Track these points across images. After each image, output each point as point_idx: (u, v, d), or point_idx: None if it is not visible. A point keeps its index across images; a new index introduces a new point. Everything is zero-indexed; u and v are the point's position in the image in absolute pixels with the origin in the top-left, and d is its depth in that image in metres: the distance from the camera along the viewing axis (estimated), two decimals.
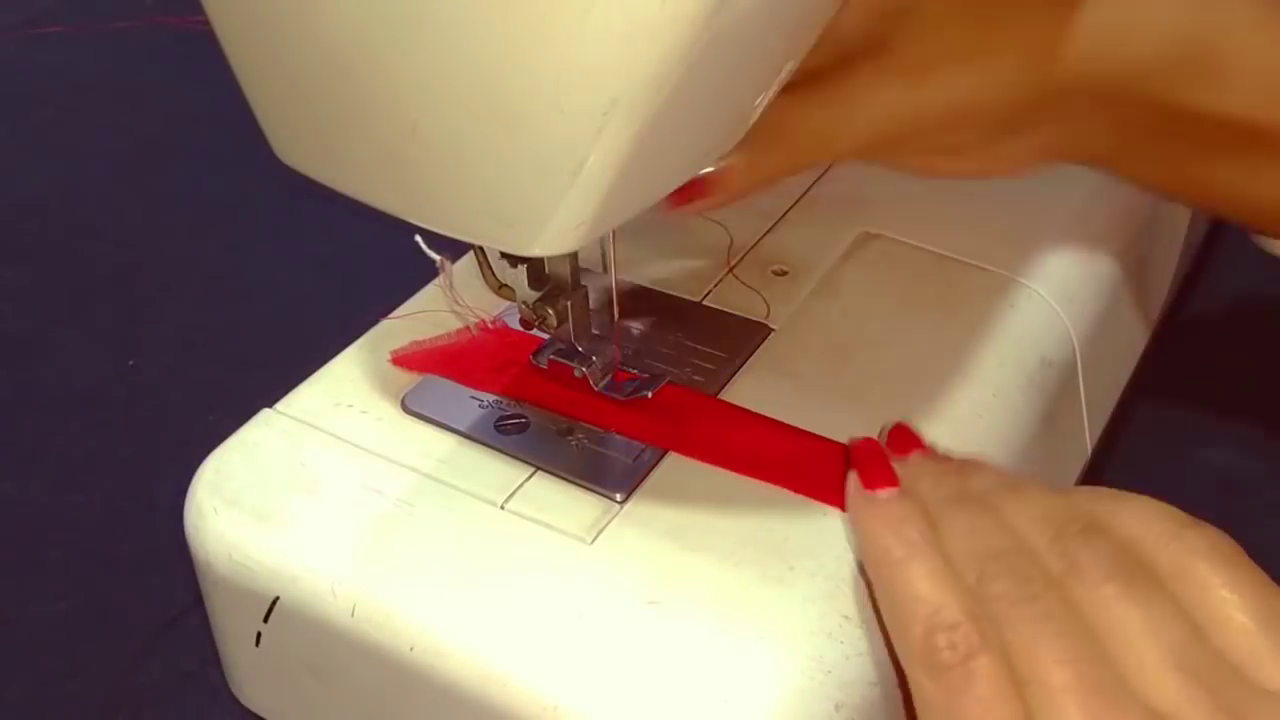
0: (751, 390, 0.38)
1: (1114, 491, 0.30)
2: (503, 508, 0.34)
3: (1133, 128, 0.32)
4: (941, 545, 0.30)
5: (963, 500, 0.31)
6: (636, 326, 0.40)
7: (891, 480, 0.32)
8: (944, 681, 0.27)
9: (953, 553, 0.29)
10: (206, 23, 0.29)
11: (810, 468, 0.35)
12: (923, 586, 0.29)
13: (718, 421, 0.36)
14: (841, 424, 0.36)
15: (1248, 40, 0.31)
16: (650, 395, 0.37)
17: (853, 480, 0.32)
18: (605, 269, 0.37)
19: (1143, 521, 0.29)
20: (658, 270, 0.42)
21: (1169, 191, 0.35)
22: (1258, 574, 0.27)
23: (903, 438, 0.34)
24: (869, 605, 0.31)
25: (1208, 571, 0.27)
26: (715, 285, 0.42)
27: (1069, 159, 0.34)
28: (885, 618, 0.30)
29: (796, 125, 0.32)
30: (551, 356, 0.37)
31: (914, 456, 0.33)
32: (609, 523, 0.34)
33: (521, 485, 0.35)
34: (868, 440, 0.33)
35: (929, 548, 0.29)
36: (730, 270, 0.42)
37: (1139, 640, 0.26)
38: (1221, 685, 0.26)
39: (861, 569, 0.32)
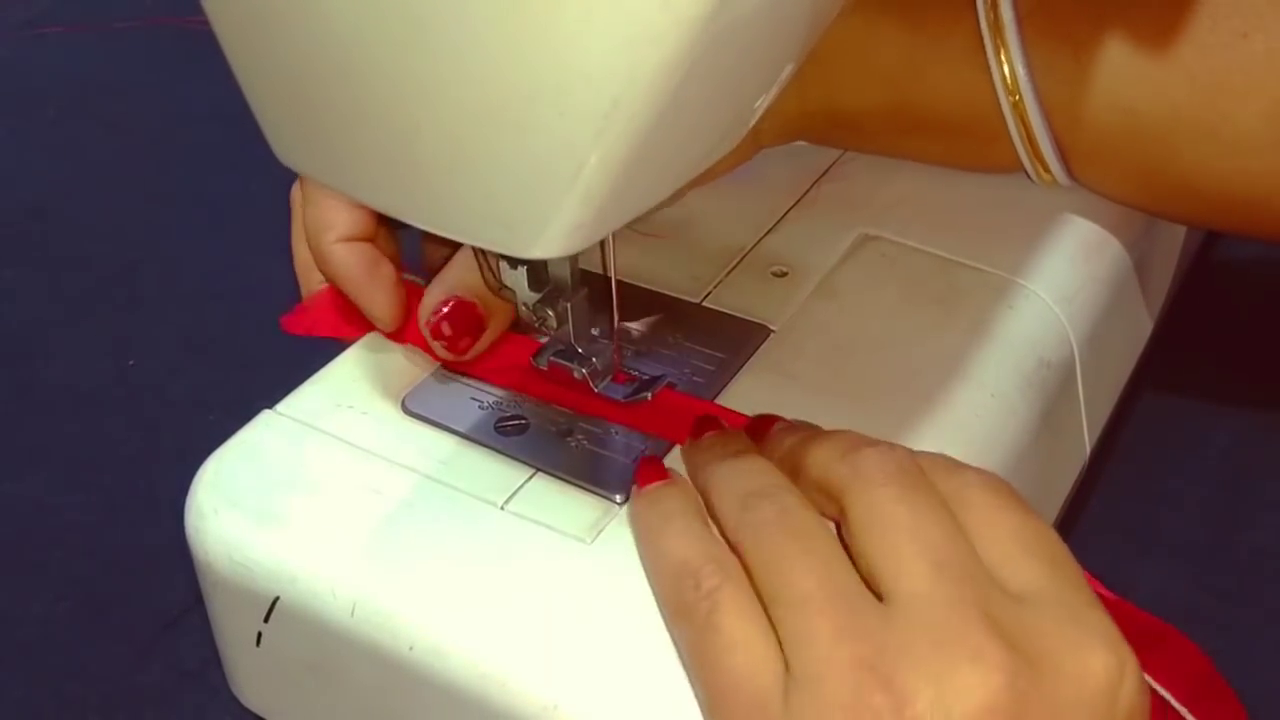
0: (751, 391, 0.38)
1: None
2: (503, 508, 0.34)
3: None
4: (709, 506, 0.31)
5: (738, 459, 0.32)
6: (636, 328, 0.40)
7: (660, 475, 0.33)
8: (692, 620, 0.29)
9: (719, 504, 0.31)
10: (207, 23, 0.29)
11: None
12: (673, 545, 0.30)
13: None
14: (841, 424, 0.36)
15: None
16: (650, 397, 0.37)
17: (633, 491, 0.33)
18: (605, 271, 0.37)
19: (926, 457, 0.30)
20: (658, 271, 0.42)
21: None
22: (1022, 502, 0.30)
23: (703, 425, 0.35)
24: None
25: (977, 495, 0.29)
26: (715, 287, 0.42)
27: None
28: (654, 591, 0.31)
29: None
30: (552, 358, 0.37)
31: (705, 437, 0.34)
32: (609, 523, 0.34)
33: (521, 486, 0.35)
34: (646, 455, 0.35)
35: (682, 514, 0.31)
36: (730, 271, 0.42)
37: (899, 534, 0.28)
38: (966, 579, 0.27)
39: None
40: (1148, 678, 0.28)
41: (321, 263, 0.38)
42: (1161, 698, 0.30)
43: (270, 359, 0.38)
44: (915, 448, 0.36)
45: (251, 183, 0.64)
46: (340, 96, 0.27)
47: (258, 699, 0.38)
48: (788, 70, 0.29)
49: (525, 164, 0.25)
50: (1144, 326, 0.48)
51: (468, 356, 0.38)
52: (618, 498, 0.34)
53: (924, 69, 0.42)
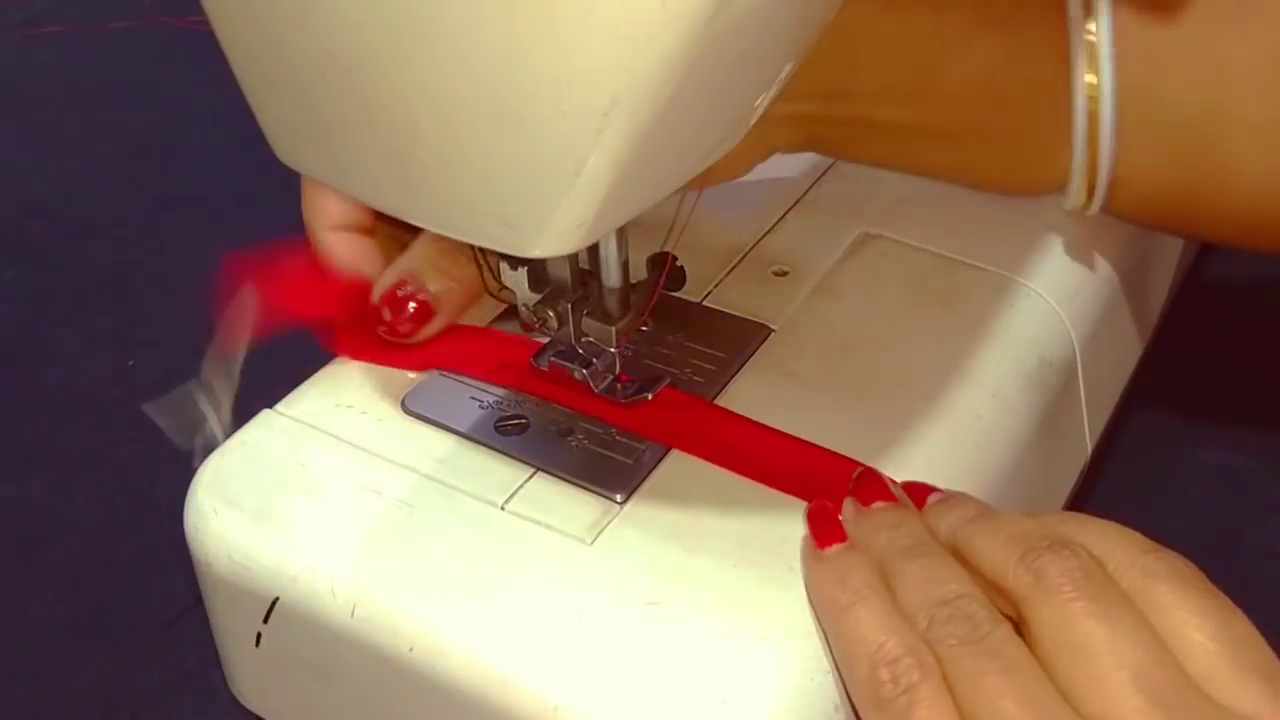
0: (752, 391, 0.38)
1: (1080, 515, 0.30)
2: (503, 508, 0.34)
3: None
4: (894, 596, 0.30)
5: (919, 548, 0.31)
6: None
7: (840, 536, 0.32)
8: (888, 714, 0.28)
9: (905, 603, 0.29)
10: (207, 22, 0.29)
11: (809, 472, 0.35)
12: (867, 628, 0.29)
13: (719, 425, 0.36)
14: (842, 424, 0.36)
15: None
16: (651, 398, 0.37)
17: (805, 542, 0.32)
18: (605, 270, 0.37)
19: (1106, 542, 0.29)
20: (658, 271, 0.42)
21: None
22: (1219, 597, 0.28)
23: (868, 486, 0.33)
24: None
25: (1168, 593, 0.27)
26: (715, 286, 0.42)
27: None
28: (839, 667, 0.30)
29: None
30: (552, 359, 0.37)
31: (876, 507, 0.33)
32: (609, 523, 0.34)
33: (522, 486, 0.35)
34: (819, 502, 0.33)
35: (874, 594, 0.30)
36: (730, 271, 0.42)
37: (1102, 659, 0.26)
38: (1181, 705, 0.25)
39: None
40: None
41: (315, 247, 0.39)
42: None
43: (270, 359, 0.38)
44: (916, 447, 0.36)
45: (251, 183, 0.64)
46: (340, 95, 0.27)
47: (257, 699, 0.38)
48: (788, 69, 0.29)
49: (525, 162, 0.25)
50: (1146, 326, 0.48)
51: (412, 341, 0.38)
52: (618, 498, 0.34)
53: (954, 49, 0.39)
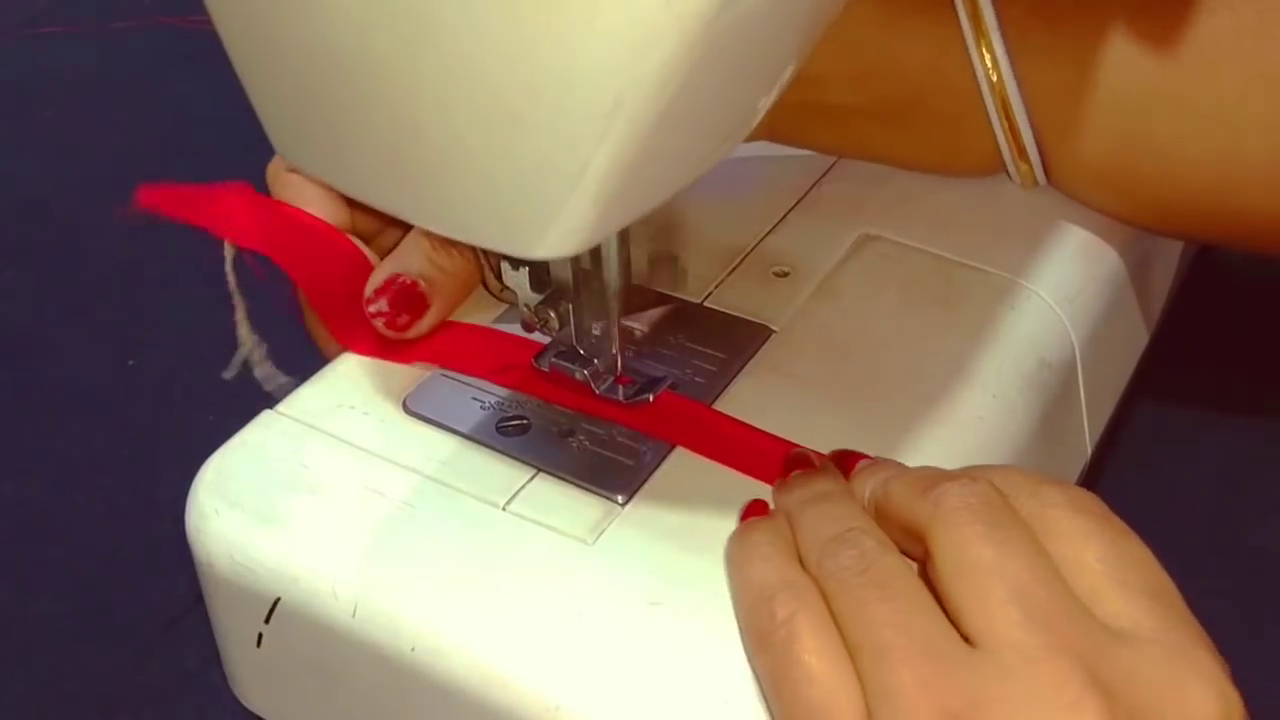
0: (752, 392, 0.38)
1: (990, 465, 0.31)
2: (504, 509, 0.34)
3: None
4: (796, 543, 0.31)
5: (820, 497, 0.31)
6: (638, 328, 0.40)
7: (761, 511, 0.33)
8: (770, 647, 0.28)
9: (802, 546, 0.30)
10: (207, 22, 0.29)
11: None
12: (756, 573, 0.30)
13: (719, 427, 0.36)
14: (842, 425, 0.36)
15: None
16: (652, 399, 0.37)
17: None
18: (607, 271, 0.37)
19: (1007, 478, 0.29)
20: (659, 272, 0.42)
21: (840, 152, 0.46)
22: (1113, 521, 0.28)
23: (793, 461, 0.34)
24: None
25: (1063, 519, 0.28)
26: (716, 287, 0.42)
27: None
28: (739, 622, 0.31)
29: None
30: (553, 360, 0.37)
31: (793, 475, 0.33)
32: (610, 524, 0.34)
33: (523, 487, 0.35)
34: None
35: (770, 546, 0.30)
36: (731, 271, 0.42)
37: (988, 578, 0.27)
38: (1060, 619, 0.26)
39: None
40: None
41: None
42: None
43: (270, 359, 0.38)
44: (917, 448, 0.36)
45: (252, 183, 0.64)
46: (343, 95, 0.27)
47: (258, 700, 0.38)
48: (790, 70, 0.29)
49: (527, 164, 0.25)
50: (1145, 327, 0.48)
51: (409, 335, 0.38)
52: (619, 498, 0.34)
53: (897, 39, 0.41)
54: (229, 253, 0.39)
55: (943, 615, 0.27)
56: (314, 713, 0.36)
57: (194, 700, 0.41)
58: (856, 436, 0.35)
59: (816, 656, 0.27)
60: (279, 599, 0.34)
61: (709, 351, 0.39)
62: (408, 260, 0.39)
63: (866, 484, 0.32)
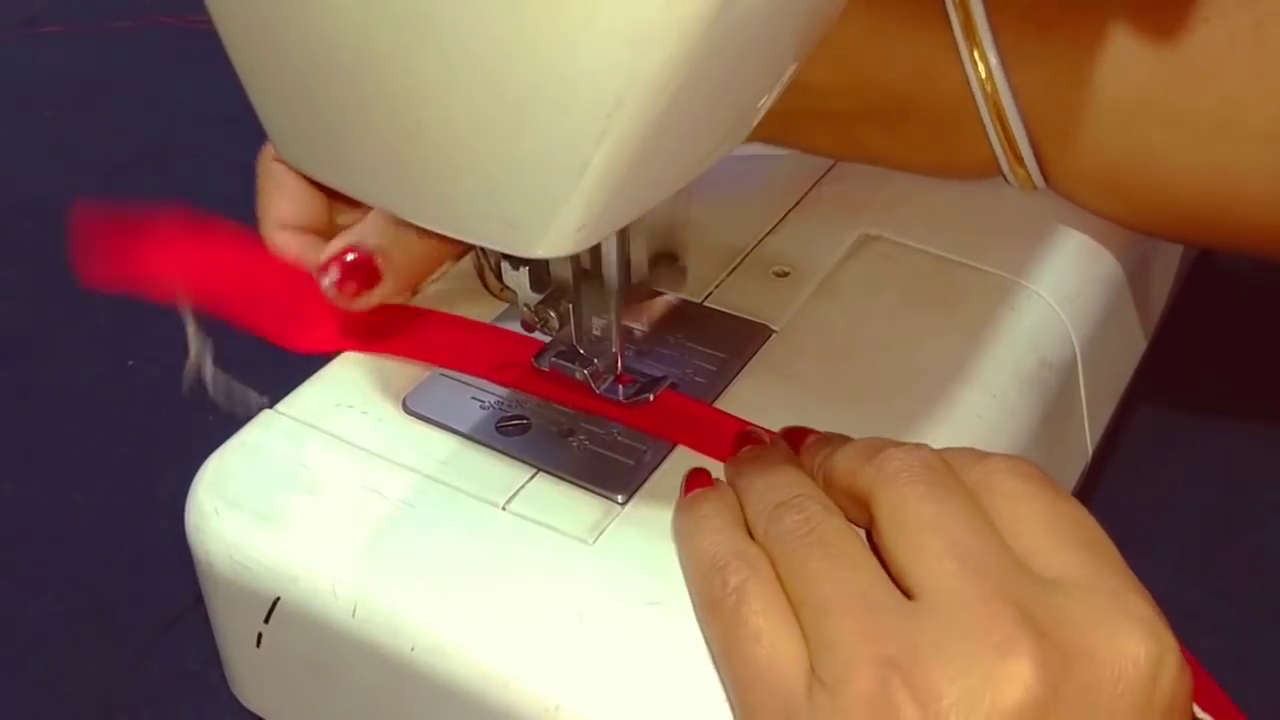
0: (752, 392, 0.38)
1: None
2: (504, 509, 0.34)
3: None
4: (743, 512, 0.31)
5: (766, 468, 0.32)
6: (638, 328, 0.40)
7: (705, 484, 0.33)
8: (719, 614, 0.29)
9: (749, 514, 0.31)
10: (207, 22, 0.29)
11: None
12: (704, 544, 0.30)
13: (720, 426, 0.36)
14: (842, 425, 0.36)
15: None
16: (652, 398, 0.37)
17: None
18: (607, 271, 0.37)
19: (952, 454, 0.30)
20: (659, 272, 0.42)
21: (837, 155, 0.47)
22: (1052, 485, 0.29)
23: (742, 439, 0.35)
24: None
25: (1003, 482, 0.29)
26: (716, 287, 0.42)
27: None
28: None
29: None
30: (553, 359, 0.37)
31: (744, 452, 0.34)
32: (610, 524, 0.34)
33: (523, 486, 0.35)
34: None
35: (717, 516, 0.31)
36: (731, 271, 0.42)
37: (926, 532, 0.27)
38: (994, 570, 0.26)
39: None
40: None
41: (266, 244, 0.40)
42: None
43: (270, 359, 0.38)
44: None
45: (250, 183, 0.64)
46: (343, 94, 0.27)
47: (258, 699, 0.38)
48: (790, 70, 0.29)
49: (528, 163, 0.25)
50: (1145, 327, 0.48)
51: (358, 305, 0.37)
52: (619, 498, 0.34)
53: (888, 47, 0.42)
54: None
55: (882, 571, 0.28)
56: (313, 712, 0.36)
57: (193, 700, 0.41)
58: (856, 436, 0.35)
59: (762, 616, 0.28)
60: (278, 598, 0.34)
61: (709, 351, 0.39)
62: (366, 231, 0.38)
63: (815, 457, 0.32)
